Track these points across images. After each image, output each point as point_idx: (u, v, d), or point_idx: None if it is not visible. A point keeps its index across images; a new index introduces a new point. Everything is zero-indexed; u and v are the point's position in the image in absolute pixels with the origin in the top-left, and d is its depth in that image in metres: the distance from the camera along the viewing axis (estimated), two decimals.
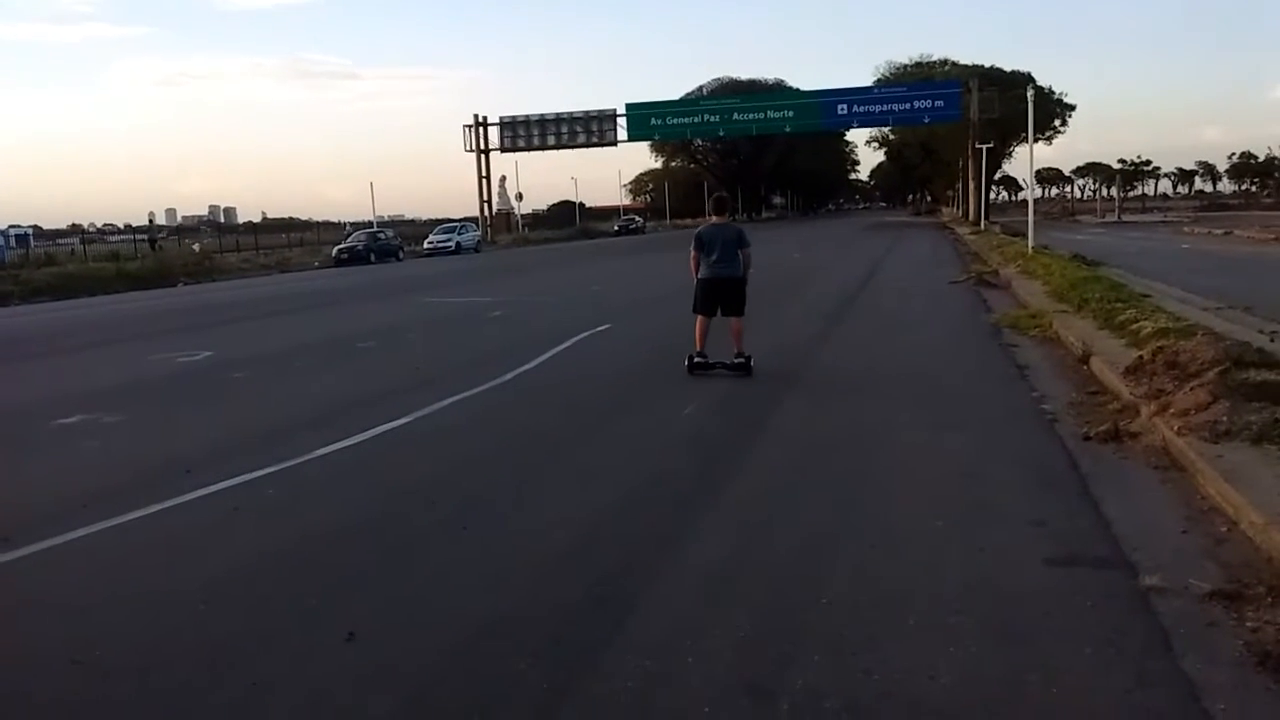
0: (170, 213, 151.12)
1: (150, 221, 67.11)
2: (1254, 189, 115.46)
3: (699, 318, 10.89)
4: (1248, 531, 5.12)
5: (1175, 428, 6.92)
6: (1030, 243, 27.44)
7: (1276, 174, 66.21)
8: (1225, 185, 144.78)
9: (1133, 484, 6.21)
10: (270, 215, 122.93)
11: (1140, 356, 9.33)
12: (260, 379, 11.68)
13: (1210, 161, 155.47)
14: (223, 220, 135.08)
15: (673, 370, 11.18)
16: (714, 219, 11.18)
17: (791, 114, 69.92)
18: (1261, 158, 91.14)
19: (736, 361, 10.58)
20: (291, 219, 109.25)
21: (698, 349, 10.72)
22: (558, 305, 19.84)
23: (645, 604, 4.49)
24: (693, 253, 10.98)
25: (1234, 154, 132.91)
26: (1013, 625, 4.14)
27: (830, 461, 7.01)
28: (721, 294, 10.78)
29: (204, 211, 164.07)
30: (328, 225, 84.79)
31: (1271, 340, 9.97)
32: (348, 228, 63.13)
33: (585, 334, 14.00)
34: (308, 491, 6.62)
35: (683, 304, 18.96)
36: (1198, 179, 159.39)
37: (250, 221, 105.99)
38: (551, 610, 4.46)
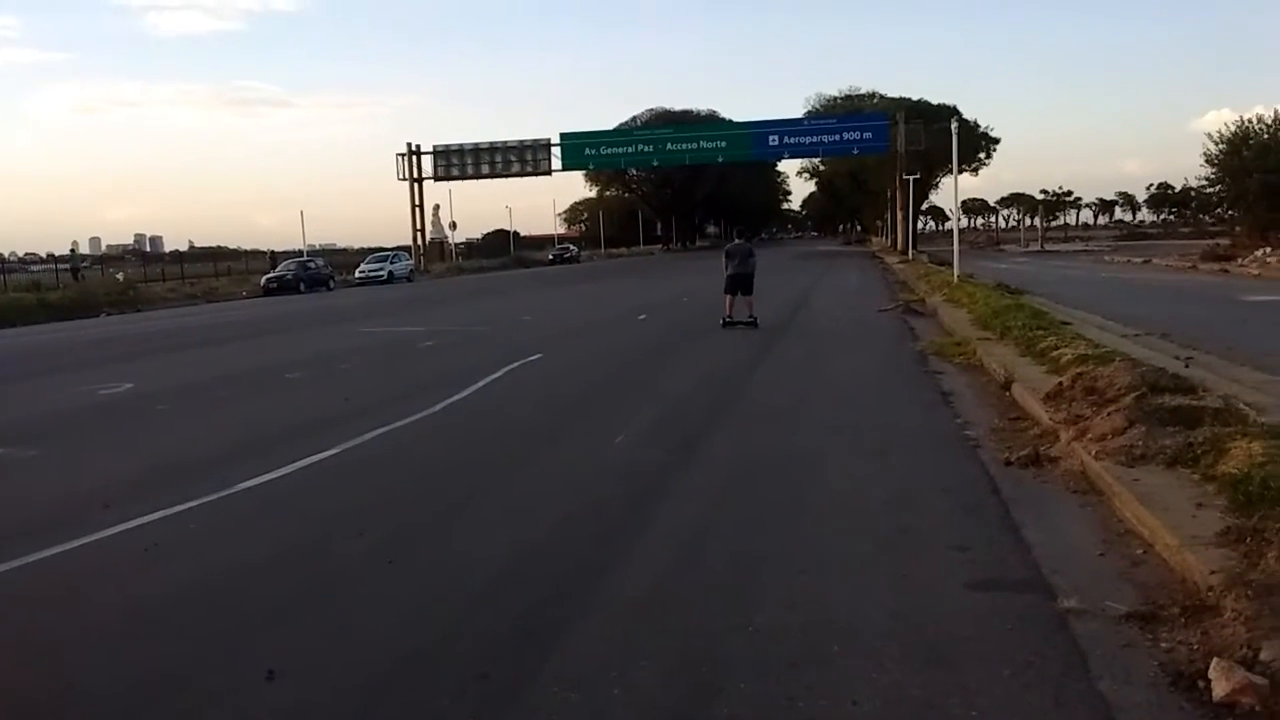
0: (95, 241, 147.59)
1: (73, 250, 65.56)
2: (1172, 218, 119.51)
3: (728, 297, 18.71)
4: (1162, 553, 5.26)
5: (1093, 452, 7.10)
6: (956, 272, 28.01)
7: (1192, 204, 68.52)
8: (1144, 215, 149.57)
9: (1052, 508, 6.34)
10: (198, 244, 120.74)
11: (1060, 383, 9.56)
12: (184, 411, 11.42)
13: (1130, 192, 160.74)
14: (148, 249, 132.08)
15: (603, 399, 11.24)
16: (737, 241, 20.78)
17: (724, 144, 70.72)
18: (1179, 188, 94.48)
19: (751, 319, 18.45)
20: (219, 248, 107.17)
21: (728, 314, 18.63)
22: (490, 335, 19.74)
23: (572, 635, 4.47)
24: (724, 259, 19.07)
25: (1152, 185, 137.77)
26: (935, 649, 4.19)
27: (758, 488, 7.06)
28: (741, 284, 18.63)
29: (129, 240, 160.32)
30: (256, 254, 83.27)
31: (1186, 366, 10.27)
32: (270, 255, 61.93)
33: (517, 363, 13.93)
34: (231, 525, 6.49)
35: (615, 333, 19.11)
36: (1118, 209, 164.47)
37: (177, 250, 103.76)
38: (477, 643, 4.41)
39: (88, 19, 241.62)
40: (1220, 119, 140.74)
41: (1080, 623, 4.42)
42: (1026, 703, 3.70)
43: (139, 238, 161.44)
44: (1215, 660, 3.82)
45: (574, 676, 4.03)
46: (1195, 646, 4.09)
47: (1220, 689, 3.67)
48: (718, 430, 9.26)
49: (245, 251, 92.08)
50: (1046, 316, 16.08)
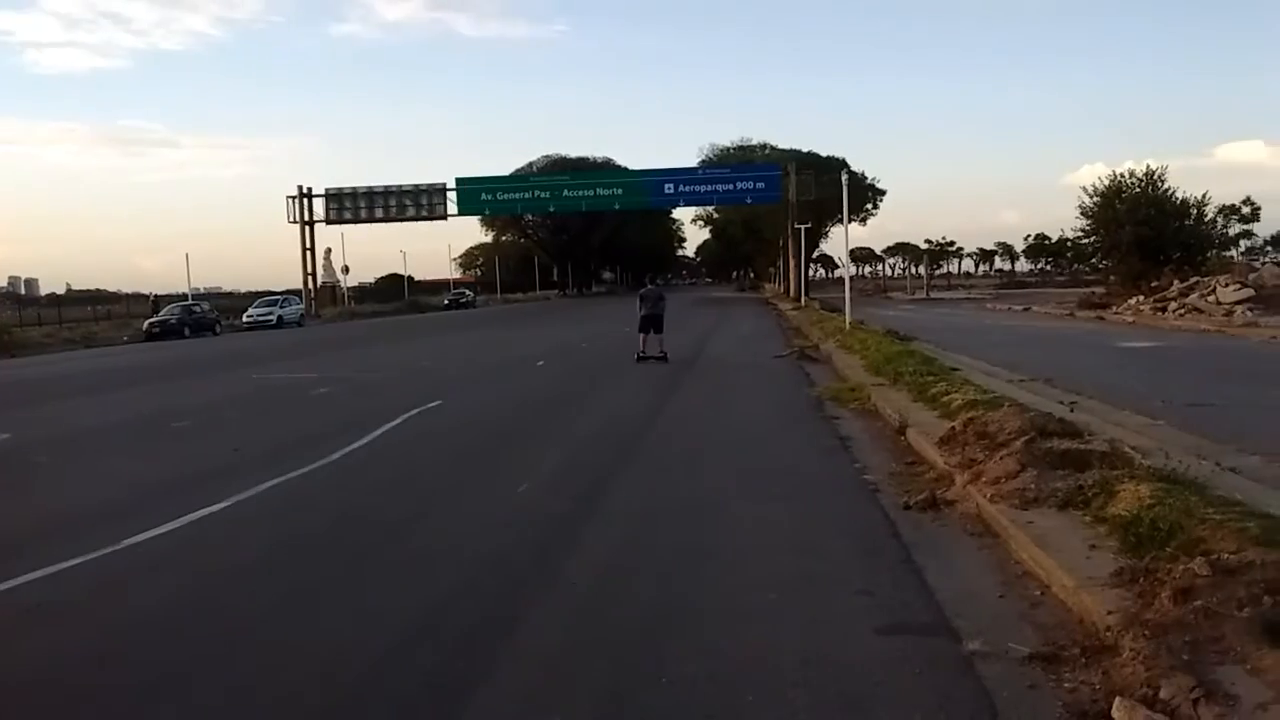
0: None
1: None
2: (1048, 268, 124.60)
3: (641, 335, 21.22)
4: (1059, 594, 5.40)
5: (988, 495, 7.28)
6: (848, 318, 28.65)
7: (1068, 254, 71.72)
8: (1022, 264, 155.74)
9: (951, 551, 6.47)
10: (76, 286, 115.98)
11: (953, 427, 9.80)
12: (65, 462, 10.90)
13: (1009, 242, 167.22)
14: (23, 292, 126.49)
15: (506, 446, 11.12)
16: (649, 286, 23.30)
17: (620, 191, 71.40)
18: (1054, 239, 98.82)
19: (662, 354, 20.96)
20: (99, 290, 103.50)
21: (641, 350, 21.05)
22: (387, 381, 19.37)
23: (483, 693, 4.36)
24: (639, 302, 21.59)
25: (1029, 235, 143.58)
26: (847, 695, 4.21)
27: (663, 536, 7.03)
28: (653, 323, 21.19)
29: (3, 282, 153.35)
30: (138, 297, 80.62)
31: (1071, 410, 10.65)
32: (153, 299, 59.99)
33: (415, 411, 13.69)
34: (115, 585, 6.15)
35: (516, 379, 18.97)
36: (997, 258, 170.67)
37: (53, 293, 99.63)
38: (387, 703, 4.27)
39: None
40: (1094, 173, 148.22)
41: (985, 665, 4.50)
42: None
43: (13, 280, 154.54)
44: (1118, 700, 3.91)
45: None
46: (1097, 686, 4.19)
47: None
48: (621, 477, 9.22)
49: (126, 295, 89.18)
50: (936, 363, 16.52)
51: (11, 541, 7.21)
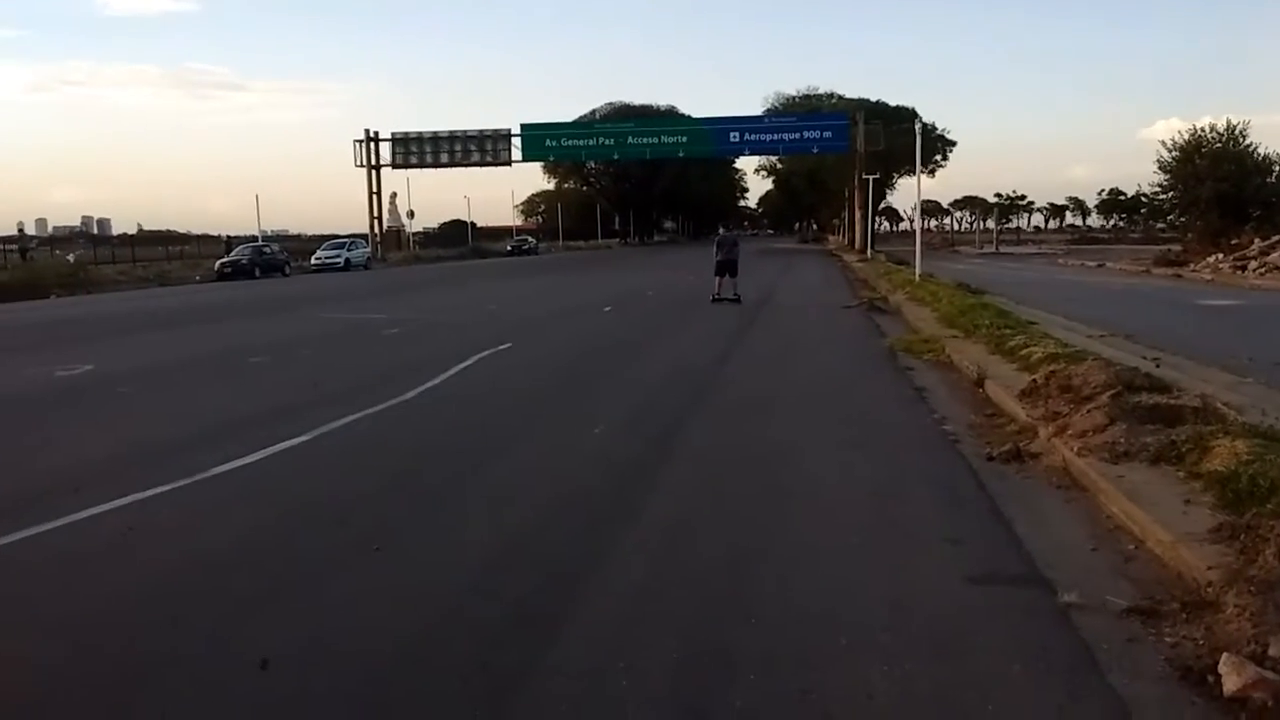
0: (41, 223, 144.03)
1: (20, 231, 63.92)
2: (1121, 224, 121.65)
3: (717, 279, 23.10)
4: (1155, 549, 5.27)
5: (1075, 449, 7.12)
6: (918, 271, 28.20)
7: (1142, 210, 69.73)
8: (1094, 220, 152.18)
9: (1039, 503, 6.34)
10: (147, 227, 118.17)
11: (1034, 380, 9.60)
12: (147, 394, 11.13)
13: (1080, 197, 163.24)
14: (96, 231, 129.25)
15: (577, 389, 11.15)
16: (724, 233, 25.45)
17: (685, 140, 70.58)
18: (1129, 194, 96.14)
19: (735, 296, 22.67)
20: (169, 231, 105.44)
21: (717, 292, 22.98)
22: (455, 324, 19.51)
23: (570, 626, 4.37)
24: (715, 248, 23.73)
25: (1103, 190, 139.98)
26: (941, 642, 4.15)
27: (741, 480, 6.98)
28: (729, 268, 22.99)
29: (76, 222, 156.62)
30: (207, 239, 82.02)
31: (1156, 365, 10.37)
32: (226, 240, 61.05)
33: (486, 353, 13.76)
34: (207, 512, 6.27)
35: (583, 325, 19.00)
36: (1068, 213, 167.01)
37: (125, 233, 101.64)
38: (472, 633, 4.31)
39: None
40: (1169, 128, 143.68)
41: (1083, 617, 4.40)
42: (1041, 697, 3.67)
43: (86, 220, 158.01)
44: (1225, 655, 3.81)
45: (578, 668, 3.94)
46: (1200, 642, 4.09)
47: (1231, 684, 3.66)
48: (695, 422, 9.17)
49: (196, 236, 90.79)
50: (1011, 316, 16.21)
51: (100, 469, 7.37)
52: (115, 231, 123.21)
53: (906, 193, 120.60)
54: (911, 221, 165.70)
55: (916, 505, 6.26)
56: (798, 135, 68.26)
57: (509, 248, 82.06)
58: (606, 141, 72.81)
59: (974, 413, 9.40)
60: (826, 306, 23.11)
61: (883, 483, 6.84)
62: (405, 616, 4.49)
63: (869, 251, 57.73)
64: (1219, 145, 41.98)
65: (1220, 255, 35.81)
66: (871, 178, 54.96)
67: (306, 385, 11.31)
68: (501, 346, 14.50)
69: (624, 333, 17.67)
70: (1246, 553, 4.79)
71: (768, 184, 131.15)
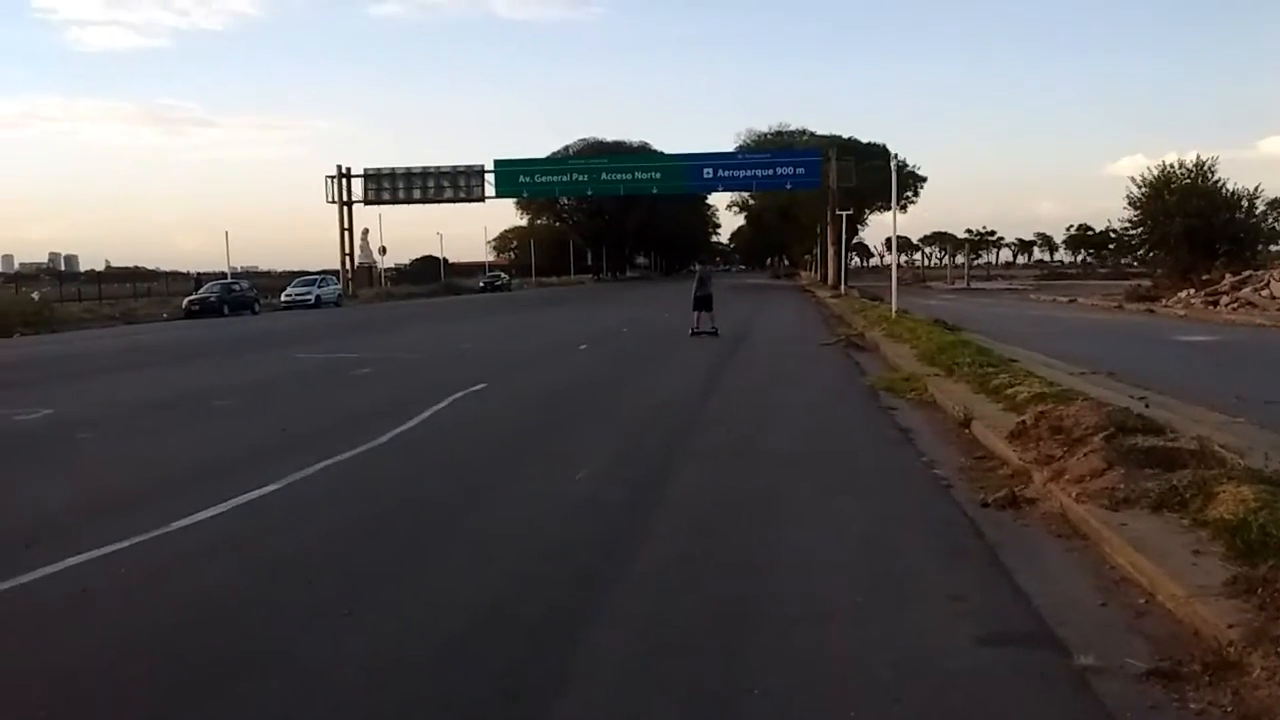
0: (8, 259, 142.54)
1: None
2: (1090, 259, 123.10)
3: (695, 313, 23.70)
4: (1167, 604, 5.04)
5: (1073, 495, 6.91)
6: (894, 307, 28.16)
7: (1111, 245, 70.53)
8: (1061, 255, 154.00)
9: (1039, 553, 6.11)
10: (115, 264, 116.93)
11: (1023, 421, 9.41)
12: (108, 440, 10.73)
13: (1047, 232, 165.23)
14: (64, 268, 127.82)
15: (556, 431, 10.87)
16: (700, 268, 27.63)
17: (659, 175, 70.82)
18: (1098, 230, 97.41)
19: (713, 329, 23.45)
20: (138, 268, 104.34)
21: (695, 325, 23.52)
22: (429, 363, 19.18)
23: (562, 698, 4.07)
24: (696, 283, 24.50)
25: (1071, 226, 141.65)
26: (957, 712, 3.90)
27: (732, 529, 6.71)
28: (704, 303, 23.69)
29: (44, 259, 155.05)
30: (176, 275, 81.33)
31: (1146, 405, 10.22)
32: (195, 277, 60.45)
33: (461, 393, 13.44)
34: (167, 572, 5.89)
35: (559, 364, 18.73)
36: (1036, 249, 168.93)
37: (93, 270, 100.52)
38: (457, 709, 4.00)
39: (8, 31, 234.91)
40: (1134, 164, 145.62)
41: (1102, 681, 4.15)
42: None
43: (54, 256, 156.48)
44: None
45: None
46: (1228, 709, 3.85)
47: None
48: (680, 466, 8.91)
49: (165, 273, 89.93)
50: (992, 353, 16.08)
51: (55, 523, 7.00)
52: (83, 268, 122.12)
53: (876, 228, 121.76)
54: (883, 257, 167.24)
55: (915, 556, 6.01)
56: (771, 171, 68.68)
57: (482, 284, 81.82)
58: (580, 177, 72.92)
59: (963, 455, 9.20)
60: (804, 343, 22.97)
61: (878, 532, 6.59)
62: (377, 695, 4.17)
63: (843, 287, 57.85)
64: (1188, 181, 42.44)
65: (1192, 290, 36.06)
66: (845, 214, 55.20)
67: (275, 430, 10.95)
68: (477, 387, 14.17)
69: (601, 372, 17.43)
70: (1267, 609, 4.57)
71: (740, 219, 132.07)
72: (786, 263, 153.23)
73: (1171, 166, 43.53)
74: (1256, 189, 42.86)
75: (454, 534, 6.70)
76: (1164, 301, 36.49)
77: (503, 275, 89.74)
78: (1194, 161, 42.96)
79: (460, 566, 5.93)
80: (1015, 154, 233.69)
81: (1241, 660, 4.19)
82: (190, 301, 45.00)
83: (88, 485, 8.37)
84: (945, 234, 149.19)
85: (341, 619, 5.02)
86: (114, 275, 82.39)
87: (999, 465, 8.62)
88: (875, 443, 10.05)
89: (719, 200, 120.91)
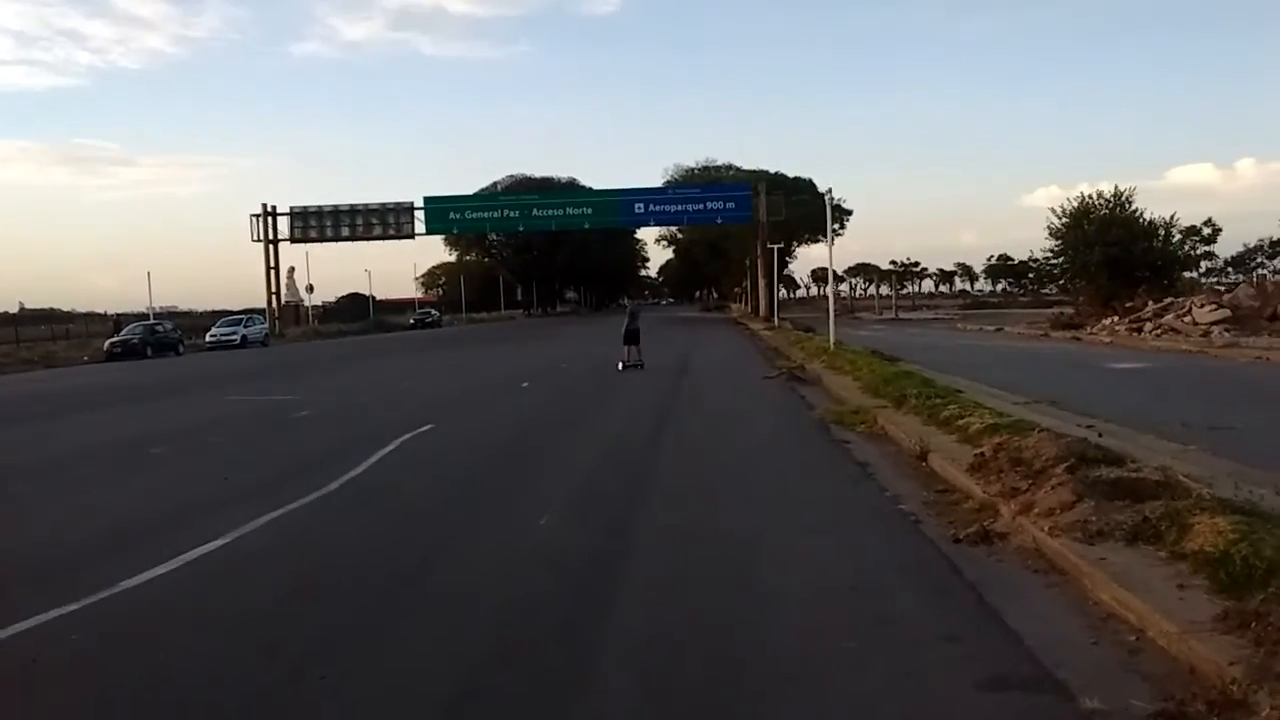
0: None
1: None
2: (1010, 288, 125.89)
3: (626, 347, 24.28)
4: (1159, 641, 4.98)
5: (1045, 528, 6.88)
6: (832, 338, 28.37)
7: (1030, 275, 72.28)
8: (981, 284, 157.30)
9: (1020, 590, 6.05)
10: (29, 305, 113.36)
11: (981, 453, 9.42)
12: (44, 492, 10.20)
13: (966, 262, 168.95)
14: None
15: (511, 474, 10.63)
16: (630, 303, 36.01)
17: (590, 211, 70.89)
18: (1017, 260, 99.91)
19: (639, 362, 24.11)
20: (53, 310, 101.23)
21: (626, 359, 24.14)
22: (370, 403, 18.75)
23: None
24: (628, 317, 25.11)
25: (992, 256, 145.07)
26: None
27: (709, 579, 6.49)
28: (633, 337, 24.33)
29: None
30: (94, 316, 79.05)
31: (1099, 436, 10.30)
32: (115, 319, 58.75)
33: (407, 435, 13.09)
34: (120, 637, 5.53)
35: (503, 402, 18.45)
36: (957, 279, 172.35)
37: (7, 312, 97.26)
38: None
39: None
40: (1049, 195, 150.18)
41: None
42: None
43: None
44: None
45: None
46: None
47: None
48: (641, 510, 8.70)
49: (81, 314, 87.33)
50: (936, 384, 16.16)
51: None
52: None
53: (803, 261, 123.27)
54: (809, 289, 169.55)
55: (900, 599, 5.90)
56: (701, 206, 69.22)
57: (412, 320, 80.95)
58: (511, 213, 72.69)
59: (924, 489, 9.16)
60: (746, 377, 22.97)
61: (857, 573, 6.47)
62: None
63: (775, 319, 58.32)
64: (1106, 211, 43.67)
65: (1116, 318, 36.98)
66: (776, 247, 55.77)
67: (216, 479, 10.52)
68: (423, 428, 13.83)
69: (548, 410, 17.19)
70: (1264, 644, 4.53)
71: (668, 253, 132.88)
72: (716, 295, 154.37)
73: (1090, 197, 44.86)
74: (1173, 218, 44.35)
75: (418, 590, 6.37)
76: (1088, 329, 37.34)
77: (433, 312, 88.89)
78: (1112, 192, 44.31)
79: (428, 629, 5.60)
80: (935, 186, 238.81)
81: (1247, 699, 4.14)
82: (112, 344, 43.69)
83: (25, 541, 7.91)
84: (870, 265, 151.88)
85: (313, 685, 4.73)
86: (29, 317, 79.74)
87: (963, 499, 8.59)
88: (836, 478, 9.98)
89: (648, 234, 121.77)
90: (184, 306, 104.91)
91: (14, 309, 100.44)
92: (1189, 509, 6.59)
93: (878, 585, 6.20)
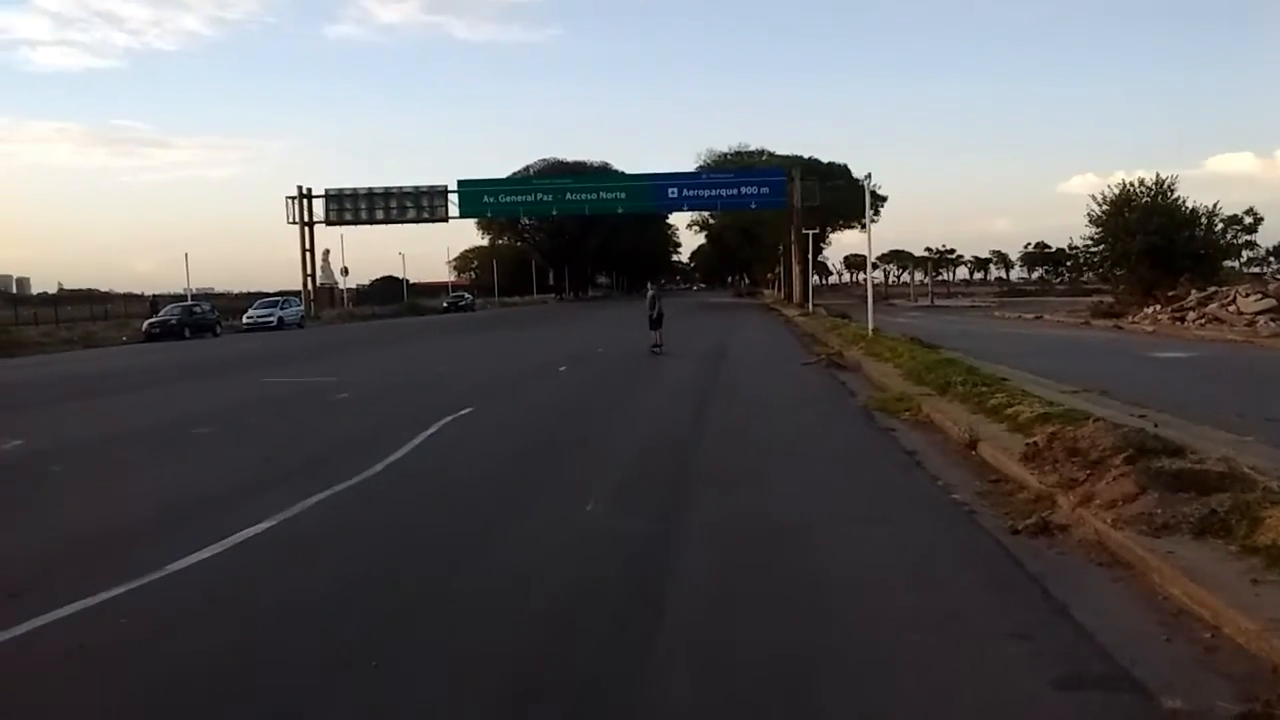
0: None
1: None
2: (1046, 276, 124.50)
3: (653, 331, 25.32)
4: (1236, 638, 4.81)
5: (1108, 520, 6.70)
6: (870, 325, 28.08)
7: (1068, 262, 71.18)
8: (1016, 272, 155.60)
9: (1086, 584, 5.88)
10: (68, 286, 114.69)
11: (1034, 443, 9.22)
12: (84, 472, 10.20)
13: (1003, 250, 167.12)
14: (15, 291, 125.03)
15: (555, 459, 10.54)
16: (651, 289, 27.80)
17: (623, 195, 70.62)
18: (1054, 247, 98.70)
19: (661, 347, 24.88)
20: (92, 290, 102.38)
21: (653, 344, 25.10)
22: (409, 386, 18.75)
23: None
24: (649, 302, 26.00)
25: (1028, 243, 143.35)
26: None
27: (763, 568, 6.35)
28: (656, 323, 25.28)
29: None
30: (131, 297, 79.84)
31: (1155, 426, 10.06)
32: (152, 300, 59.30)
33: (448, 418, 13.03)
34: (170, 619, 5.49)
35: (542, 386, 18.37)
36: (992, 266, 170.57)
37: (46, 293, 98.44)
38: None
39: None
40: (1086, 183, 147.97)
41: None
42: None
43: (4, 279, 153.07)
44: None
45: None
46: None
47: None
48: (689, 496, 8.56)
49: (119, 295, 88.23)
50: (981, 371, 15.93)
51: (41, 567, 6.54)
52: (35, 290, 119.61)
53: (835, 247, 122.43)
54: (841, 275, 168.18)
55: (963, 592, 5.74)
56: (735, 191, 68.73)
57: (445, 304, 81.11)
58: (545, 197, 72.56)
59: (976, 478, 8.98)
60: (784, 363, 22.79)
61: (915, 565, 6.32)
62: None
63: (809, 305, 57.91)
64: (1148, 199, 42.92)
65: (1158, 306, 36.37)
66: (811, 232, 55.35)
67: (259, 460, 10.48)
68: (463, 411, 13.77)
69: (587, 394, 17.10)
70: None
71: (700, 238, 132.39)
72: (748, 281, 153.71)
73: (1131, 184, 44.02)
74: (1215, 206, 43.48)
75: (469, 575, 6.29)
76: (1130, 318, 36.76)
77: (467, 295, 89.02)
78: (1154, 179, 43.50)
79: (482, 612, 5.53)
80: (971, 174, 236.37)
81: None
82: (151, 324, 44.03)
83: (70, 524, 7.87)
84: (903, 252, 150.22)
85: (368, 671, 4.65)
86: (68, 298, 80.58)
87: (1017, 489, 8.40)
88: (884, 467, 9.81)
89: (679, 219, 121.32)
90: (220, 288, 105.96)
91: (53, 289, 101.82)
92: (1258, 502, 6.40)
93: (937, 577, 6.05)
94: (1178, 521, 6.44)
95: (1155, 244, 41.09)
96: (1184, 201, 42.97)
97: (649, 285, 31.34)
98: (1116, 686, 4.37)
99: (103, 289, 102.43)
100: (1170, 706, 4.11)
